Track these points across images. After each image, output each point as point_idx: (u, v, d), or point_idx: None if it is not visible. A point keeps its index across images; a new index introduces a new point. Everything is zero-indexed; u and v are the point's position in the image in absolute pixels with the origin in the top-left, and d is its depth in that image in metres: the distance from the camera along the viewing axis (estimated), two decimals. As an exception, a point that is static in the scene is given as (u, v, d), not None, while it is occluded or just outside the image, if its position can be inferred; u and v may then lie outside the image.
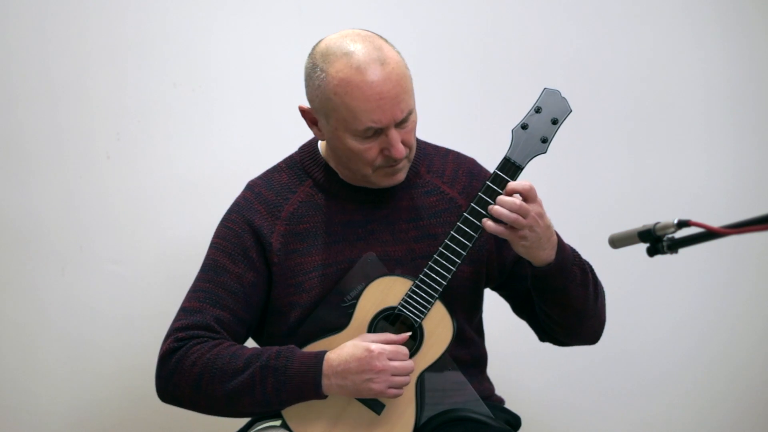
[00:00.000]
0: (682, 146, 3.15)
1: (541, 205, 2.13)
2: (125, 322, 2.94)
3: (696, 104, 3.15)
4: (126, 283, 2.94)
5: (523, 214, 2.10)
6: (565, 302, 2.21)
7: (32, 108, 2.91)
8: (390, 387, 2.12)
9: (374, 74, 2.12)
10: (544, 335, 2.36)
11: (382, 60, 2.13)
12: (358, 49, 2.13)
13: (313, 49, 2.20)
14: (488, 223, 2.12)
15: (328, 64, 2.15)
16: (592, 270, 2.27)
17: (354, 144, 2.17)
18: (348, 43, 2.15)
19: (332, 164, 2.28)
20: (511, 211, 2.10)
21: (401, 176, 2.23)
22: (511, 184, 2.13)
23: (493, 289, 2.39)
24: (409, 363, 2.13)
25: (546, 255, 2.16)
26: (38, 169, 2.91)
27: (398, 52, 2.18)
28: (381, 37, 2.19)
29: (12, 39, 2.90)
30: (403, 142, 2.17)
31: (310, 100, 2.21)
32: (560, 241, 2.19)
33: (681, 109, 3.14)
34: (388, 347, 2.12)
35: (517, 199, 2.10)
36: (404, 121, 2.16)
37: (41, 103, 2.91)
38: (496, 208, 2.10)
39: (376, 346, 2.11)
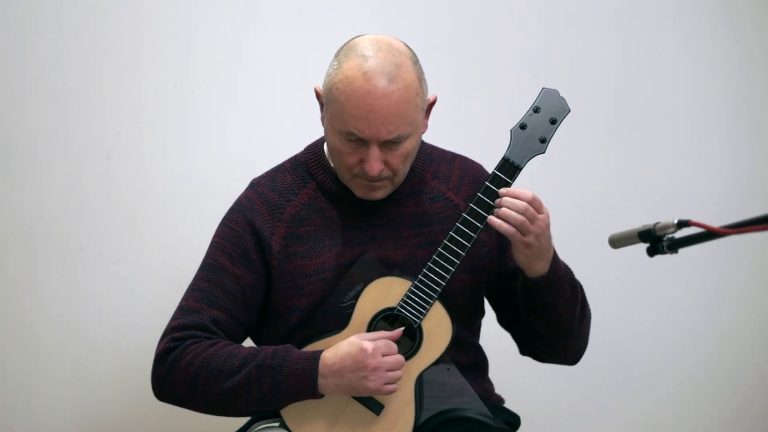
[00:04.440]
0: (680, 146, 3.15)
1: (548, 217, 2.12)
2: (125, 322, 2.94)
3: (692, 104, 3.15)
4: (126, 283, 2.94)
5: (530, 218, 2.09)
6: (551, 317, 2.22)
7: (32, 108, 2.91)
8: (386, 383, 2.11)
9: (376, 86, 2.10)
10: (525, 349, 2.37)
11: (392, 76, 2.11)
12: (377, 57, 2.12)
13: (351, 39, 2.20)
14: (497, 220, 2.10)
15: (345, 58, 2.14)
16: (582, 290, 2.27)
17: (338, 142, 2.17)
18: (373, 47, 2.13)
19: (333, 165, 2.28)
20: (518, 213, 2.09)
21: (379, 194, 2.21)
22: (513, 190, 2.11)
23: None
24: (399, 356, 2.12)
25: (540, 267, 2.15)
26: (38, 169, 2.91)
27: (420, 80, 2.15)
28: (413, 59, 2.16)
29: (12, 40, 2.90)
30: (388, 164, 2.16)
31: (323, 84, 2.21)
32: (555, 257, 2.19)
33: (678, 109, 3.14)
34: (381, 343, 2.11)
35: (524, 203, 2.09)
36: (393, 143, 2.14)
37: (41, 103, 2.91)
38: (504, 211, 2.09)
39: (369, 344, 2.11)
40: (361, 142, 2.14)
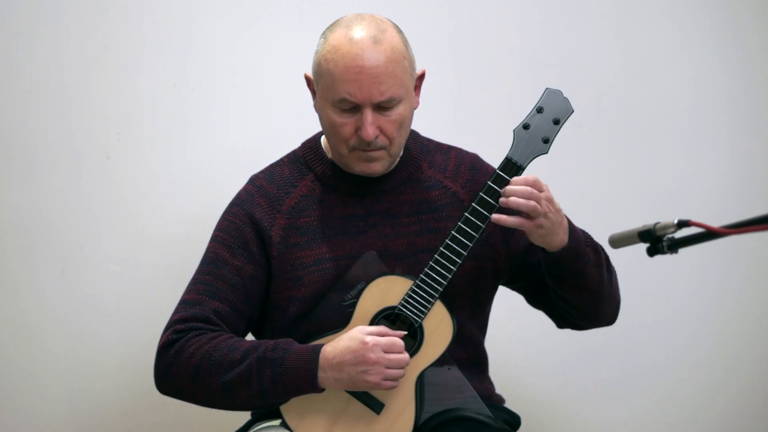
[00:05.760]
0: (679, 145, 3.15)
1: (548, 190, 2.13)
2: (125, 322, 2.94)
3: (692, 103, 3.15)
4: (126, 283, 2.94)
5: (536, 201, 2.10)
6: (581, 285, 2.21)
7: (32, 108, 2.91)
8: (385, 379, 2.12)
9: (363, 49, 2.14)
10: (562, 321, 2.35)
11: (378, 39, 2.15)
12: (361, 25, 2.17)
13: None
14: (502, 216, 2.12)
15: (330, 32, 2.19)
16: (603, 251, 2.27)
17: (332, 115, 2.18)
18: (357, 19, 2.19)
19: (331, 155, 2.29)
20: (526, 198, 2.10)
21: (377, 167, 2.22)
22: (517, 179, 2.12)
23: (504, 284, 2.39)
24: (403, 356, 2.12)
25: (559, 240, 2.15)
26: (38, 169, 2.91)
27: (405, 44, 2.19)
28: (397, 29, 2.21)
29: (12, 40, 2.90)
30: (384, 131, 2.18)
31: (312, 66, 2.23)
32: (571, 224, 2.19)
33: (678, 109, 3.14)
34: (382, 339, 2.11)
35: (527, 187, 2.10)
36: (386, 108, 2.16)
37: (41, 103, 2.91)
38: (512, 200, 2.10)
39: (370, 338, 2.11)
40: (355, 110, 2.16)
